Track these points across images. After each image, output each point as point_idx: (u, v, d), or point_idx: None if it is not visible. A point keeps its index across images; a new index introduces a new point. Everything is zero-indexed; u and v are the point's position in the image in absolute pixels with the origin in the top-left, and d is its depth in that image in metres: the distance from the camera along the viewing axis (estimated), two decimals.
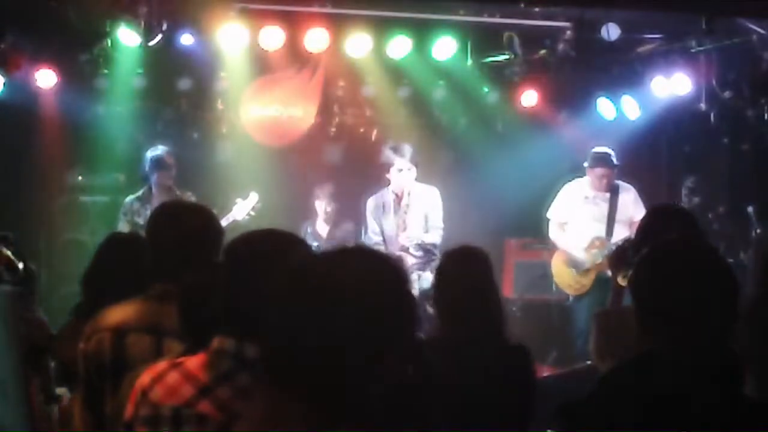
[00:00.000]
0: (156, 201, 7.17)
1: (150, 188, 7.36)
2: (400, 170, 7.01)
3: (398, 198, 7.11)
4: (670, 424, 2.14)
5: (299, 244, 2.30)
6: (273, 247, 2.24)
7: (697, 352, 2.19)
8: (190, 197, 7.30)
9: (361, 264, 1.60)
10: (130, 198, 7.45)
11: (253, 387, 2.09)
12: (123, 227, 7.17)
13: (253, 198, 7.31)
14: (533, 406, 3.60)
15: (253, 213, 7.25)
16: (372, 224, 7.24)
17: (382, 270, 1.61)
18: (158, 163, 7.35)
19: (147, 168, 7.41)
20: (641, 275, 2.33)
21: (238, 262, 2.24)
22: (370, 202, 7.26)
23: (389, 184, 7.16)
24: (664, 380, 2.17)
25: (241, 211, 7.24)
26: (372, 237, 7.21)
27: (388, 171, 7.08)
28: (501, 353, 3.54)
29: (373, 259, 1.63)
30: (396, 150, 7.08)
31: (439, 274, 3.75)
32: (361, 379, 1.53)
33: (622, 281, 3.90)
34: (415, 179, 7.11)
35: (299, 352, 1.53)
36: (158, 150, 7.47)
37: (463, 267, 3.68)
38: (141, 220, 7.03)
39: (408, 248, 6.93)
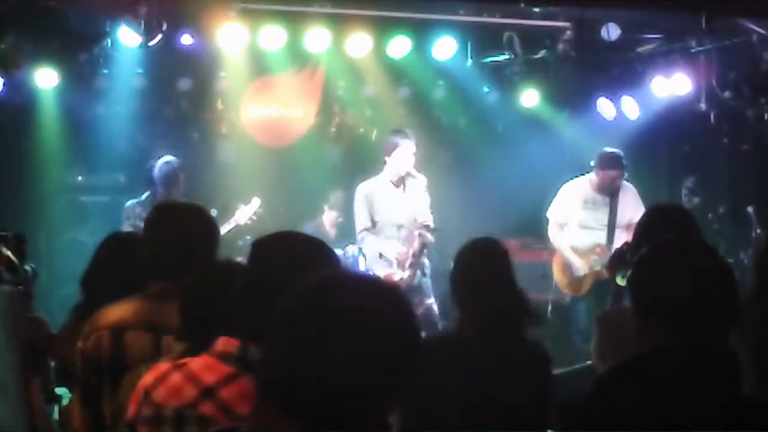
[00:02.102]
0: None
1: (154, 196, 7.30)
2: (413, 152, 6.90)
3: (401, 179, 6.97)
4: (669, 423, 2.14)
5: (324, 249, 2.28)
6: (299, 253, 2.23)
7: (696, 351, 2.20)
8: None
9: (376, 301, 1.55)
10: (131, 202, 7.40)
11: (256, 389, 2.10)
12: (126, 230, 7.15)
13: (256, 203, 7.33)
14: (547, 406, 3.57)
15: (255, 218, 7.26)
16: (363, 211, 7.00)
17: (396, 309, 1.57)
18: (171, 178, 7.29)
19: (160, 179, 7.32)
20: (639, 275, 2.34)
21: (265, 265, 2.22)
22: (364, 188, 7.02)
23: (384, 169, 7.02)
24: (663, 380, 2.18)
25: (243, 216, 7.25)
26: (363, 224, 7.02)
27: (389, 154, 6.93)
28: (518, 351, 3.51)
29: (387, 296, 1.58)
30: (404, 134, 7.01)
31: (460, 265, 3.65)
32: (360, 415, 1.51)
33: (620, 281, 3.89)
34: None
35: (301, 381, 1.50)
36: (173, 163, 7.40)
37: (484, 261, 3.63)
38: (143, 224, 6.97)
39: (428, 227, 6.85)
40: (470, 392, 3.28)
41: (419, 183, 6.95)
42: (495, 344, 3.42)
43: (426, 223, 6.87)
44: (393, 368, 1.52)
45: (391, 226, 6.96)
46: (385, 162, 7.02)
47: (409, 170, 6.93)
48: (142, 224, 7.09)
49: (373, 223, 6.99)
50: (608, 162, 7.25)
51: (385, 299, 1.57)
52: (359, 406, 1.50)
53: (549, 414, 3.53)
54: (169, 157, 7.49)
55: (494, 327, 3.45)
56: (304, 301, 1.57)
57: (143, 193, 7.44)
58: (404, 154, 6.91)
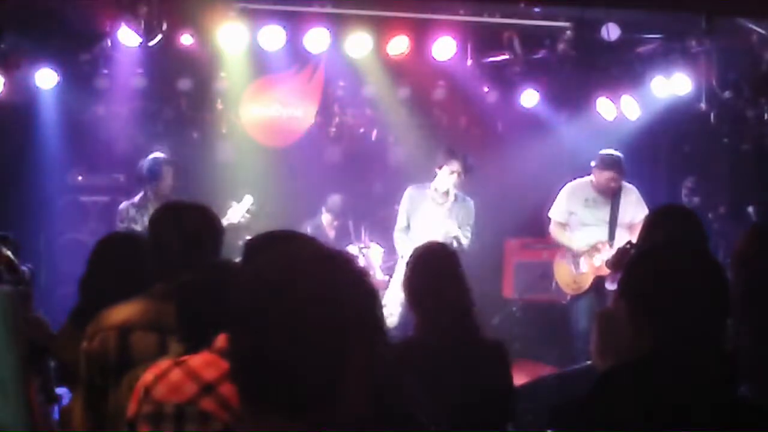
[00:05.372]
0: (152, 208, 7.10)
1: (146, 195, 7.28)
2: (453, 172, 7.12)
3: (444, 195, 7.16)
4: (668, 424, 2.14)
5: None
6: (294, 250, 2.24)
7: (693, 352, 2.20)
8: None
9: (321, 271, 1.49)
10: (125, 204, 7.36)
11: None
12: None
13: (248, 200, 7.29)
14: (511, 404, 3.59)
15: (248, 215, 7.23)
16: (403, 213, 7.28)
17: (345, 275, 1.50)
18: (159, 173, 7.29)
19: (146, 175, 7.31)
20: (631, 277, 2.35)
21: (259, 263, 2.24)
22: (410, 192, 7.32)
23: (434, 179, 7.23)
24: (662, 380, 2.18)
25: (236, 214, 7.21)
26: (400, 224, 7.30)
27: (439, 167, 7.17)
28: (475, 351, 3.52)
29: (334, 264, 1.51)
30: (452, 153, 7.21)
31: (406, 273, 3.76)
32: (330, 389, 1.44)
33: (609, 286, 3.90)
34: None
35: (264, 366, 1.44)
36: (159, 158, 7.38)
37: (428, 264, 3.69)
38: (138, 227, 6.98)
39: (456, 237, 7.06)
40: (429, 395, 3.28)
41: (466, 204, 7.24)
42: (448, 345, 3.44)
43: (454, 235, 7.05)
44: (353, 335, 1.45)
45: (424, 236, 7.08)
46: (435, 173, 7.22)
47: (450, 189, 7.13)
48: (136, 227, 7.17)
49: (409, 226, 7.27)
50: (605, 164, 7.27)
51: (341, 269, 1.50)
52: (326, 380, 1.43)
53: (511, 411, 3.55)
54: (157, 154, 7.48)
55: (445, 328, 3.47)
56: (255, 281, 1.51)
57: (137, 194, 7.42)
58: (446, 174, 7.13)
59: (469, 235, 7.20)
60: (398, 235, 7.34)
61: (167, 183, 7.29)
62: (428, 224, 7.12)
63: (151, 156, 7.44)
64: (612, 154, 7.32)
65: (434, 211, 7.18)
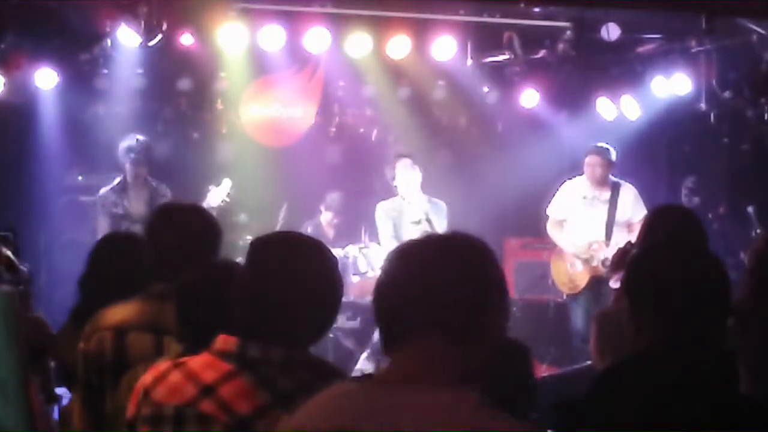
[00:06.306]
0: (131, 192, 7.30)
1: (124, 178, 7.35)
2: (405, 167, 7.08)
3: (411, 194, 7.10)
4: (668, 423, 2.14)
5: (323, 251, 2.30)
6: (299, 253, 2.24)
7: (693, 350, 2.21)
8: (165, 190, 7.38)
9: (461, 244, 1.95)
10: (104, 190, 7.43)
11: (256, 386, 2.10)
12: (102, 220, 7.23)
13: (227, 184, 7.27)
14: (531, 404, 3.57)
15: (228, 199, 7.22)
16: (386, 227, 7.21)
17: (476, 249, 1.96)
18: (130, 152, 7.32)
19: (120, 158, 7.37)
20: (631, 276, 2.36)
21: (264, 265, 2.24)
22: (383, 206, 7.23)
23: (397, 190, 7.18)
24: (661, 379, 2.19)
25: (215, 198, 7.20)
26: (386, 240, 7.19)
27: (394, 167, 7.12)
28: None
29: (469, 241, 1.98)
30: (404, 157, 7.20)
31: None
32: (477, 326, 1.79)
33: (613, 284, 3.89)
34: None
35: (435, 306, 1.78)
36: (132, 139, 7.40)
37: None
38: (119, 211, 7.13)
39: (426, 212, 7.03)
40: None
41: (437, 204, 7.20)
42: None
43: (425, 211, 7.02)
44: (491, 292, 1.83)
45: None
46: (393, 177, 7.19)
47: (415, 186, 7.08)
48: (117, 211, 7.28)
49: (396, 236, 7.15)
50: (591, 149, 7.31)
51: (472, 245, 2.00)
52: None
53: (530, 409, 3.54)
54: (131, 136, 7.49)
55: None
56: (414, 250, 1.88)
57: (115, 179, 7.44)
58: (407, 167, 7.10)
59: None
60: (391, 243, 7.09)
61: (142, 164, 7.31)
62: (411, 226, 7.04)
63: (125, 139, 7.47)
64: (598, 143, 7.35)
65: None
